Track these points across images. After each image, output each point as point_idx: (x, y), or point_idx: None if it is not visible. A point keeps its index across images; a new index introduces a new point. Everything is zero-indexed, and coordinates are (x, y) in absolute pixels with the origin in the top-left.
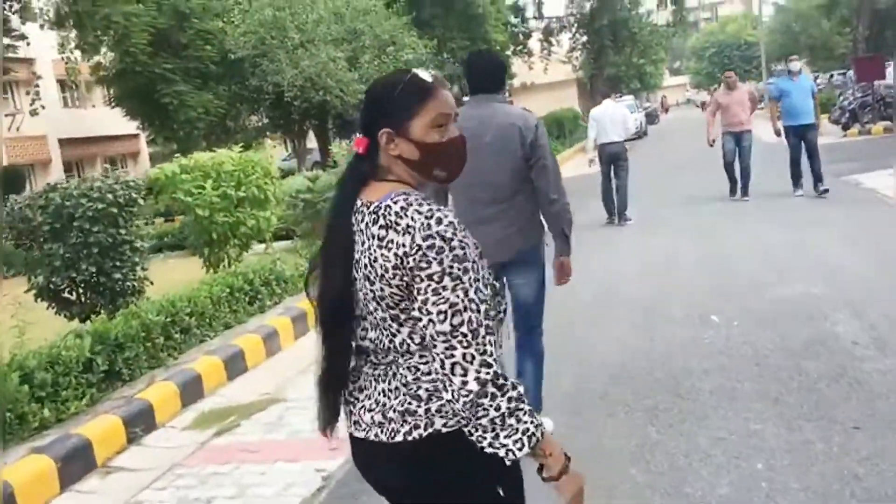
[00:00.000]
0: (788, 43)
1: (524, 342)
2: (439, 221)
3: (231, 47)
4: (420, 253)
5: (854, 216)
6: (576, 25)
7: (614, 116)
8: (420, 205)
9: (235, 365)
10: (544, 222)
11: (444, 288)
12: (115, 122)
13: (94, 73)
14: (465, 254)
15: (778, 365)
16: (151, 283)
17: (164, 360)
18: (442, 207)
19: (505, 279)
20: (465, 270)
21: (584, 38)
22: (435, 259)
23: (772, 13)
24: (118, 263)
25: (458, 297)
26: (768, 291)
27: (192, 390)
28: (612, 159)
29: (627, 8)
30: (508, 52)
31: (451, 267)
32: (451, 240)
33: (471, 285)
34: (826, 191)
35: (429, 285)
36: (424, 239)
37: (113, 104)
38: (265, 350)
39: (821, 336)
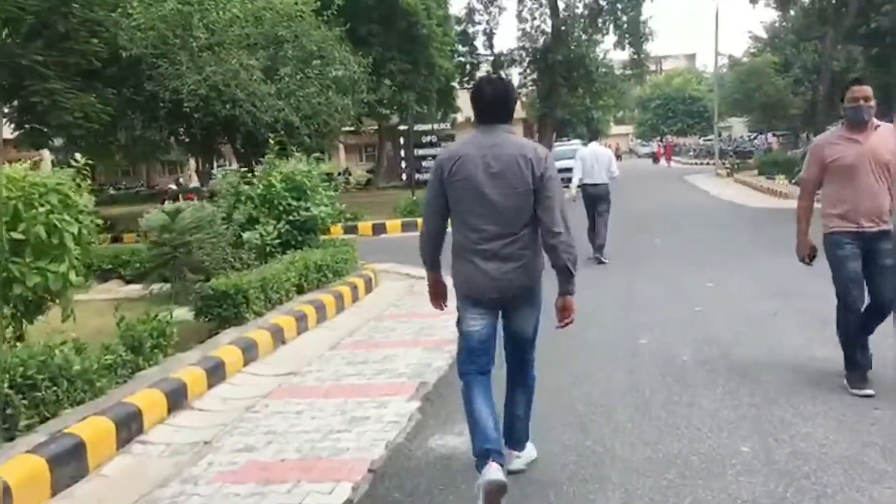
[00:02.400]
0: (741, 98)
1: (516, 374)
2: None
3: (124, 44)
4: None
5: None
6: (528, 60)
7: (600, 158)
8: None
9: None
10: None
11: None
12: None
13: None
14: None
15: None
16: None
17: None
18: None
19: (500, 314)
20: None
21: (535, 75)
22: None
23: (724, 67)
24: None
25: None
26: None
27: None
28: (596, 200)
29: (585, 44)
30: (454, 84)
31: None
32: None
33: None
34: None
35: None
36: None
37: None
38: None
39: None
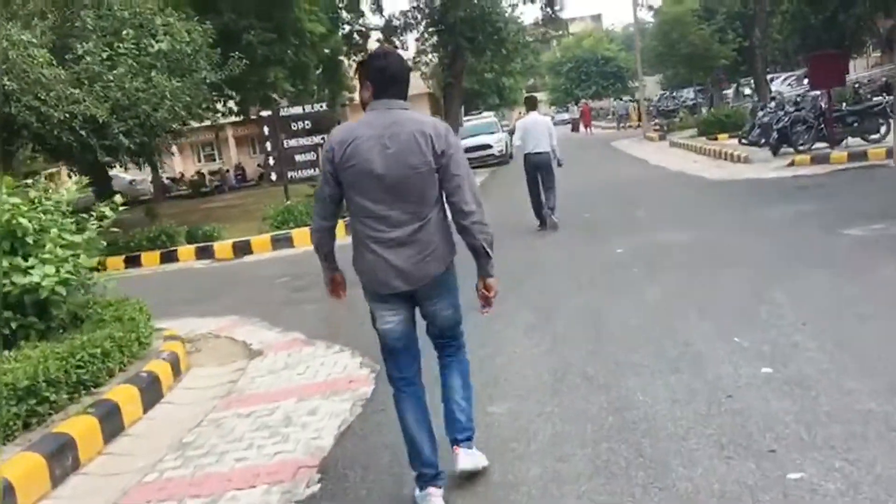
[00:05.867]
0: (665, 51)
1: (448, 360)
2: None
3: None
4: None
5: None
6: (425, 22)
7: (542, 126)
8: None
9: None
10: (461, 239)
11: None
12: None
13: None
14: None
15: None
16: None
17: None
18: None
19: (418, 308)
20: None
21: (435, 39)
22: None
23: (649, 19)
24: None
25: None
26: None
27: None
28: (539, 168)
29: None
30: (342, 57)
31: None
32: None
33: None
34: None
35: None
36: None
37: None
38: None
39: None
